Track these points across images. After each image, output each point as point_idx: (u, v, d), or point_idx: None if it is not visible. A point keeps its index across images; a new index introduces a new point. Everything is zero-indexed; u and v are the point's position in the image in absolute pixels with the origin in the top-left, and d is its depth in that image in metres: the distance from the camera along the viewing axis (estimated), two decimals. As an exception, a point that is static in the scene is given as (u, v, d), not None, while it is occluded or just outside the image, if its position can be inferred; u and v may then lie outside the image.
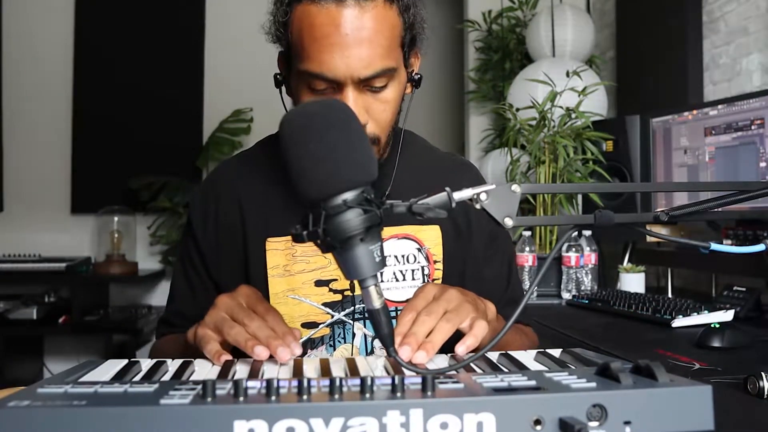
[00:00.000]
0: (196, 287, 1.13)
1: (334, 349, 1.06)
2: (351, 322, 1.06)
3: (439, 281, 1.10)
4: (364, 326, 1.06)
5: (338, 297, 1.06)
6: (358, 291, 1.06)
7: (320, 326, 1.06)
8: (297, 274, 1.06)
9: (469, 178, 1.19)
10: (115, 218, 3.62)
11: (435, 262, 1.10)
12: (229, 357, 0.82)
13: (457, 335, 0.85)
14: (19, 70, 3.83)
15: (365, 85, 0.95)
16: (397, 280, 1.08)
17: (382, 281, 1.06)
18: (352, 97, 0.94)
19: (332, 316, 1.06)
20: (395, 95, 0.99)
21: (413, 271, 1.08)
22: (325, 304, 1.06)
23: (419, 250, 1.09)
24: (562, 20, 3.03)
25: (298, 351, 0.81)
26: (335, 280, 1.06)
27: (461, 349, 0.82)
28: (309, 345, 1.06)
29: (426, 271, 1.09)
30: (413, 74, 1.05)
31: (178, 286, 1.15)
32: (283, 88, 1.06)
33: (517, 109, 2.63)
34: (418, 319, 0.82)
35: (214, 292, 1.11)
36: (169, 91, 3.88)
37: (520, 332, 1.15)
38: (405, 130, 1.18)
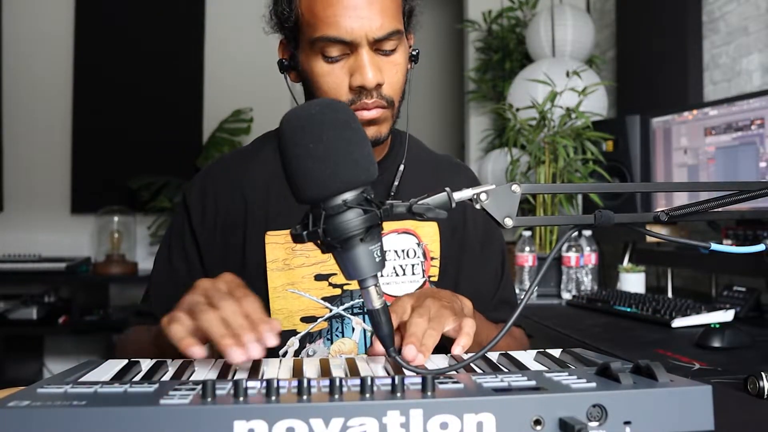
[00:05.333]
0: (185, 278, 1.09)
1: (332, 343, 1.06)
2: (350, 316, 1.06)
3: (436, 278, 1.10)
4: (363, 321, 1.06)
5: (337, 291, 1.07)
6: (357, 286, 1.06)
7: (318, 320, 1.06)
8: (296, 268, 1.06)
9: (467, 180, 1.20)
10: (115, 218, 3.62)
11: (432, 258, 1.10)
12: (201, 351, 0.73)
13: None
14: (19, 69, 3.83)
15: (377, 48, 0.97)
16: (397, 275, 1.08)
17: (381, 276, 1.06)
18: (367, 57, 0.96)
19: (330, 311, 1.06)
20: (404, 59, 1.02)
21: (413, 266, 1.09)
22: (324, 299, 1.06)
23: (418, 245, 1.10)
24: (562, 20, 3.03)
25: (271, 342, 0.73)
26: (335, 274, 1.06)
27: (458, 349, 0.83)
28: (308, 339, 1.06)
29: (424, 267, 1.10)
30: (411, 50, 1.07)
31: (166, 275, 1.11)
32: (288, 75, 1.07)
33: (517, 109, 2.63)
34: (413, 321, 0.82)
35: None
36: (169, 91, 3.88)
37: (509, 334, 1.14)
38: (402, 132, 1.18)
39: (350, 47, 0.96)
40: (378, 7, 0.95)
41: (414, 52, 1.07)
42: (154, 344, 0.91)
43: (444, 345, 0.87)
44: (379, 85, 0.98)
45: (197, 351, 0.73)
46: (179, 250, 1.11)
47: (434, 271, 1.11)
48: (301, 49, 1.01)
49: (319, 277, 1.06)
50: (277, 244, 1.06)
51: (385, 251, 1.06)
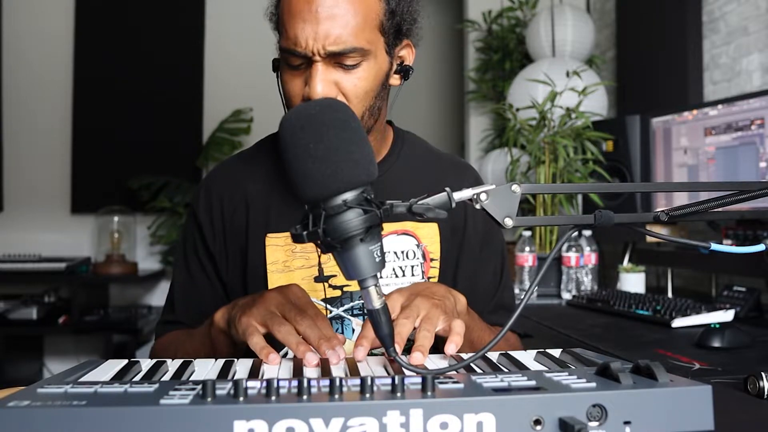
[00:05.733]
0: (204, 285, 1.13)
1: None
2: (350, 318, 1.07)
3: (435, 279, 1.11)
4: (363, 322, 1.06)
5: (337, 293, 1.07)
6: (356, 287, 1.07)
7: None
8: (296, 270, 1.06)
9: (469, 179, 1.19)
10: (115, 218, 3.62)
11: (432, 260, 1.11)
12: (277, 357, 0.81)
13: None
14: (19, 70, 3.83)
15: (336, 61, 0.96)
16: (396, 276, 1.08)
17: (381, 277, 1.06)
18: (320, 71, 0.95)
19: (330, 312, 1.06)
20: (368, 75, 0.99)
21: (412, 267, 1.09)
22: (324, 300, 1.06)
23: (418, 246, 1.10)
24: (562, 20, 3.03)
25: (342, 356, 0.81)
26: (334, 276, 1.06)
27: (450, 348, 0.83)
28: None
29: (423, 268, 1.10)
30: (402, 65, 1.05)
31: (188, 286, 1.14)
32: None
33: (517, 109, 2.63)
34: (399, 322, 0.82)
35: (221, 290, 1.12)
36: (169, 91, 3.87)
37: (504, 339, 1.14)
38: (406, 132, 1.19)
39: (306, 59, 0.96)
40: (339, 22, 0.93)
41: (405, 67, 1.05)
42: (210, 345, 0.96)
43: (435, 343, 0.87)
44: None
45: (274, 357, 0.81)
46: (195, 261, 1.13)
47: (434, 272, 1.11)
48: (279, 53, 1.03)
49: (318, 279, 1.06)
50: (278, 246, 1.07)
51: (385, 252, 1.07)
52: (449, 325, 0.86)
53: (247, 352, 1.01)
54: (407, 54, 1.07)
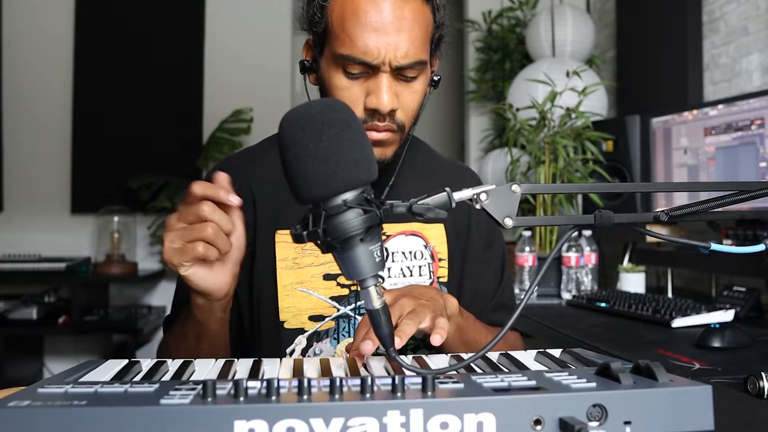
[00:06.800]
0: None
1: (338, 342, 1.08)
2: (357, 316, 1.07)
3: (445, 278, 1.12)
4: None
5: (345, 291, 1.08)
6: None
7: (326, 319, 1.07)
8: (306, 267, 1.07)
9: (471, 183, 1.20)
10: (115, 218, 3.62)
11: (440, 260, 1.12)
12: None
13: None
14: (19, 70, 3.83)
15: (399, 73, 0.98)
16: (404, 276, 1.09)
17: (389, 276, 1.07)
18: (386, 82, 0.96)
19: (338, 310, 1.07)
20: (423, 87, 1.02)
21: (420, 267, 1.10)
22: (332, 298, 1.07)
23: (425, 246, 1.11)
24: (562, 20, 3.03)
25: (233, 199, 0.82)
26: (342, 274, 1.07)
27: (436, 339, 0.83)
28: (315, 337, 1.07)
29: (432, 268, 1.10)
30: (433, 75, 1.07)
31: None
32: (307, 76, 1.08)
33: (517, 109, 2.63)
34: None
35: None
36: (169, 91, 3.87)
37: (503, 339, 1.14)
38: (412, 136, 1.19)
39: (371, 68, 0.96)
40: (406, 35, 0.95)
41: (435, 78, 1.07)
42: (193, 320, 0.93)
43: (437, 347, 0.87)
44: (393, 111, 0.98)
45: None
46: None
47: (443, 272, 1.12)
48: (324, 57, 1.02)
49: (327, 277, 1.07)
50: (287, 243, 1.07)
51: (393, 252, 1.08)
52: (434, 322, 0.86)
53: (247, 349, 1.01)
54: (435, 63, 1.09)
